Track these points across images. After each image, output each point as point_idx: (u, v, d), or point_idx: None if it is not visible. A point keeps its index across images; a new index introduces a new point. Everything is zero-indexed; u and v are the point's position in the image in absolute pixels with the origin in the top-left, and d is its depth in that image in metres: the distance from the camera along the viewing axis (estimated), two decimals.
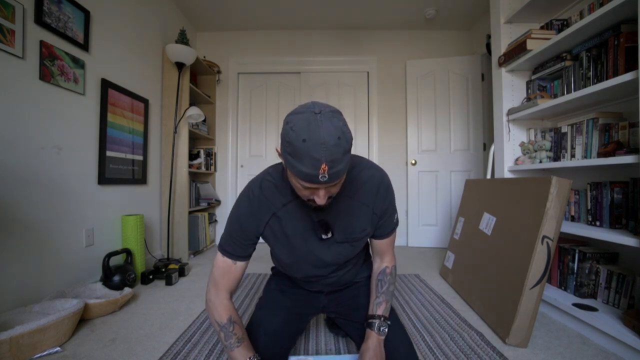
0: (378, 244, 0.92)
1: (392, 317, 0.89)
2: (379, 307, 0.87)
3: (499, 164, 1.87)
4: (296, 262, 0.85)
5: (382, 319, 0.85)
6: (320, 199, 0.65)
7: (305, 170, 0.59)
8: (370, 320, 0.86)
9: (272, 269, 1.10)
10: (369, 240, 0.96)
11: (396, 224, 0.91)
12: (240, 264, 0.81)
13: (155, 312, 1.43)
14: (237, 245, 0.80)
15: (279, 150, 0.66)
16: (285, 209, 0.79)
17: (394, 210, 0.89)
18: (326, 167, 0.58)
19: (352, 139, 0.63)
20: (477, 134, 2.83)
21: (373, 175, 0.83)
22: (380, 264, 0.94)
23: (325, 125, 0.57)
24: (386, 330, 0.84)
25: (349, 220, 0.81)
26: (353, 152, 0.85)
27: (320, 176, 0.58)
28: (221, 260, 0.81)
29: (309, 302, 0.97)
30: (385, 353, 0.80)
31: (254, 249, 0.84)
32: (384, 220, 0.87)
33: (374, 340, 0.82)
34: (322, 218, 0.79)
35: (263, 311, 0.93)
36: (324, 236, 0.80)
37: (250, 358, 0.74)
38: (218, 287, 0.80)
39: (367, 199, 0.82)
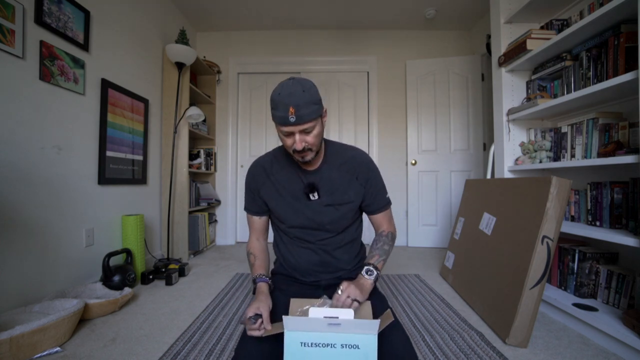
0: (375, 219, 1.05)
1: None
2: (371, 258, 0.97)
3: (499, 164, 1.87)
4: (289, 216, 0.99)
5: (372, 265, 0.94)
6: (298, 143, 0.82)
7: (279, 114, 0.79)
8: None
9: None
10: (369, 220, 1.07)
11: (388, 201, 1.04)
12: (256, 218, 1.05)
13: (155, 312, 1.43)
14: (250, 202, 1.04)
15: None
16: (280, 174, 0.99)
17: (382, 186, 1.03)
18: (293, 110, 0.77)
19: (317, 95, 0.82)
20: (477, 134, 2.83)
21: (357, 153, 1.01)
22: (378, 231, 1.06)
23: (294, 84, 0.79)
24: (372, 274, 0.92)
25: (334, 186, 0.97)
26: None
27: (290, 117, 0.78)
28: (246, 215, 1.08)
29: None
30: (383, 351, 0.80)
31: (264, 207, 1.02)
32: (373, 194, 1.00)
33: (359, 278, 0.91)
34: (311, 181, 0.96)
35: None
36: (311, 196, 0.96)
37: (256, 276, 0.95)
38: (250, 232, 1.08)
39: (350, 170, 0.98)
